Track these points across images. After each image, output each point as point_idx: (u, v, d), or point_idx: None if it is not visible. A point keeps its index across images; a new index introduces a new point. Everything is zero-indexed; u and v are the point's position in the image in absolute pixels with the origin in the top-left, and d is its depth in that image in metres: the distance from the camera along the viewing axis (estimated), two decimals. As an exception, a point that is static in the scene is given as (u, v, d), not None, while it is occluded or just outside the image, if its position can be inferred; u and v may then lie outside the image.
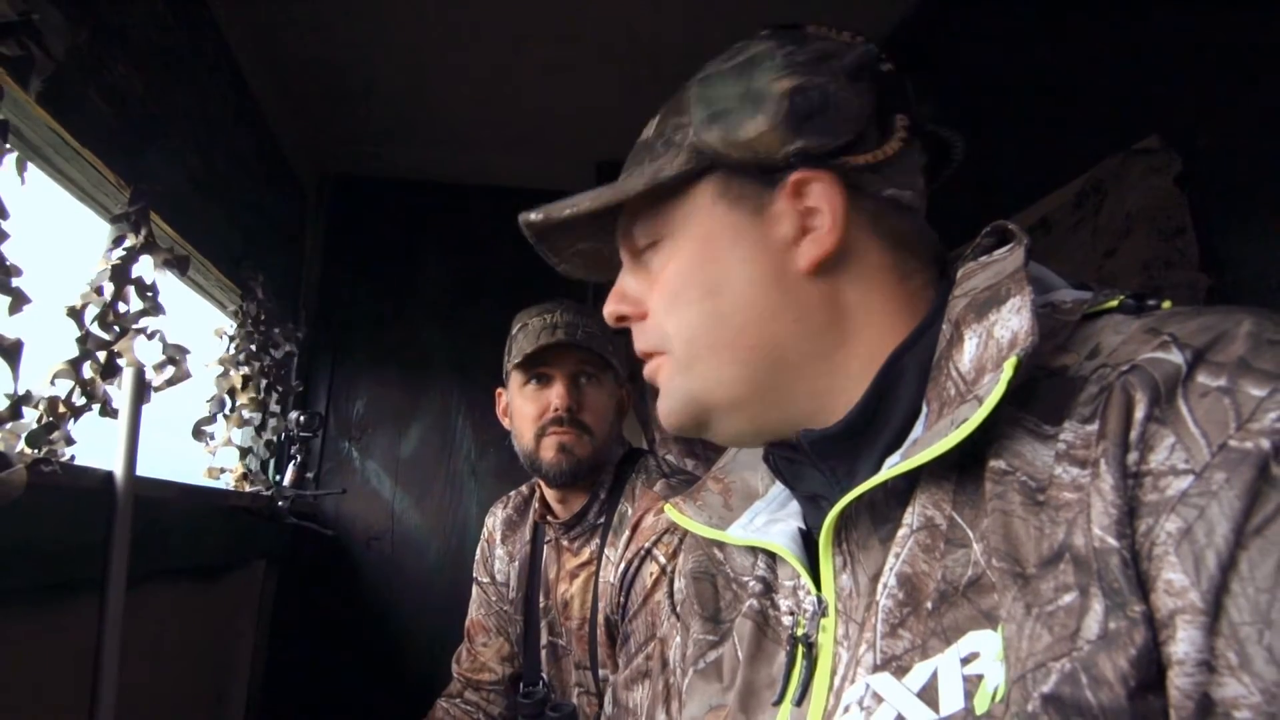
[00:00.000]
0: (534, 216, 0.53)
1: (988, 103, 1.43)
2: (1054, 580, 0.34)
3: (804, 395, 0.49)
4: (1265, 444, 0.30)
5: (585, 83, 1.95)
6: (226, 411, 1.57)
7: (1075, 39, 1.26)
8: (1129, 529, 0.32)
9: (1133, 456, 0.33)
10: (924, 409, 0.44)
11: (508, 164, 2.37)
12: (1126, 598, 0.31)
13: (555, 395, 1.12)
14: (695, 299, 0.50)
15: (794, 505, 0.54)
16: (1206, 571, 0.30)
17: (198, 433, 1.47)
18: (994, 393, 0.37)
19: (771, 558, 0.55)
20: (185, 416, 1.48)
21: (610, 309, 0.55)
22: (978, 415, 0.37)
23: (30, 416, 0.92)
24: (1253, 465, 0.30)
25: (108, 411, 1.03)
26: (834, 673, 0.45)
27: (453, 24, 1.75)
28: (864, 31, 0.51)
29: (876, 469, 0.44)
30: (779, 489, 0.57)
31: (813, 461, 0.49)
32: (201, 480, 1.59)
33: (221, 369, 1.57)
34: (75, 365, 0.99)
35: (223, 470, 1.61)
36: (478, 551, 1.35)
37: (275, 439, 1.88)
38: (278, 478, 1.97)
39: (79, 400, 0.99)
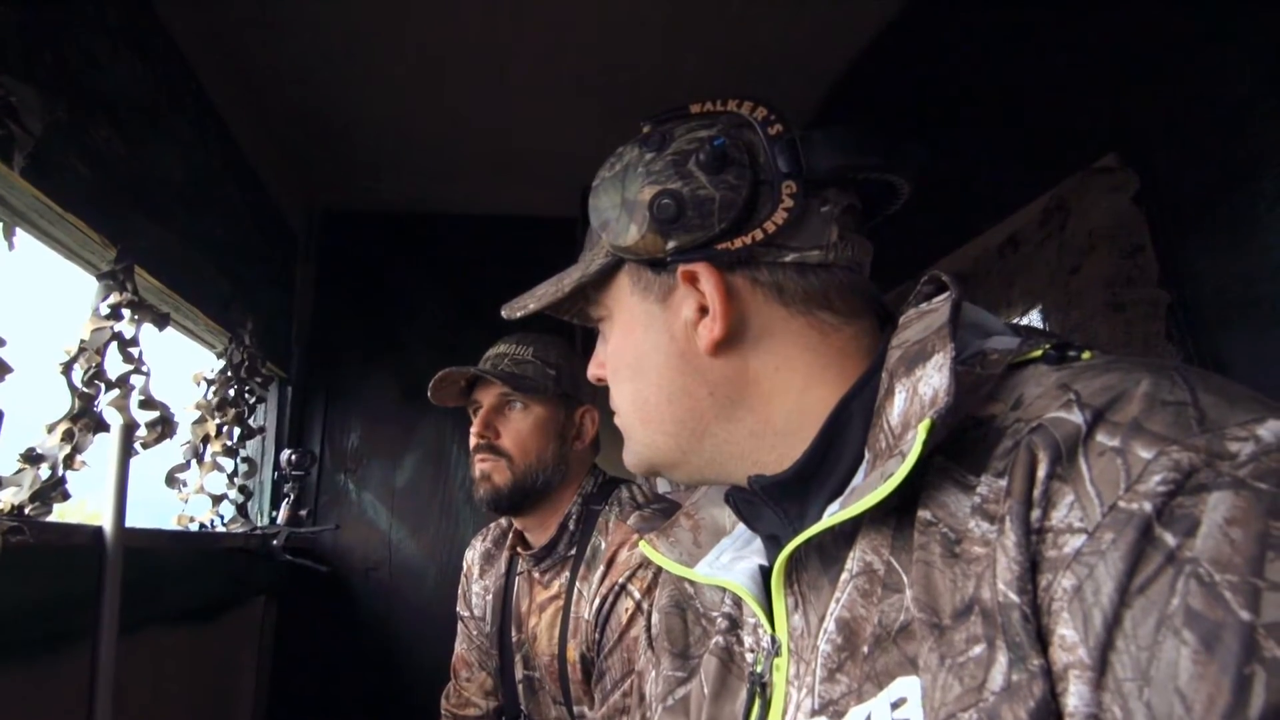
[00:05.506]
0: (512, 314, 0.62)
1: (956, 122, 1.46)
2: (965, 632, 0.36)
3: (733, 454, 0.53)
4: (1148, 506, 0.31)
5: (565, 112, 1.98)
6: (201, 458, 1.57)
7: (1036, 58, 1.28)
8: (1030, 584, 0.34)
9: (1035, 514, 0.35)
10: (865, 456, 0.46)
11: (493, 193, 2.40)
12: (1026, 651, 0.33)
13: (474, 422, 1.18)
14: (626, 378, 0.56)
15: (758, 543, 0.56)
16: (1094, 629, 0.31)
17: (170, 480, 1.48)
18: (912, 453, 0.39)
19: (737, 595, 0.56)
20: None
21: (591, 373, 0.62)
22: (900, 472, 0.39)
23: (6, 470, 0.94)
24: (1136, 527, 0.31)
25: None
26: (784, 713, 0.47)
27: (429, 60, 1.78)
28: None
29: (825, 512, 0.46)
30: (745, 526, 0.59)
31: (767, 503, 0.51)
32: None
33: (199, 414, 1.57)
34: (74, 421, 1.02)
35: (192, 519, 1.60)
36: (459, 586, 1.36)
37: (259, 475, 1.87)
38: (273, 514, 1.99)
39: (64, 453, 1.02)
